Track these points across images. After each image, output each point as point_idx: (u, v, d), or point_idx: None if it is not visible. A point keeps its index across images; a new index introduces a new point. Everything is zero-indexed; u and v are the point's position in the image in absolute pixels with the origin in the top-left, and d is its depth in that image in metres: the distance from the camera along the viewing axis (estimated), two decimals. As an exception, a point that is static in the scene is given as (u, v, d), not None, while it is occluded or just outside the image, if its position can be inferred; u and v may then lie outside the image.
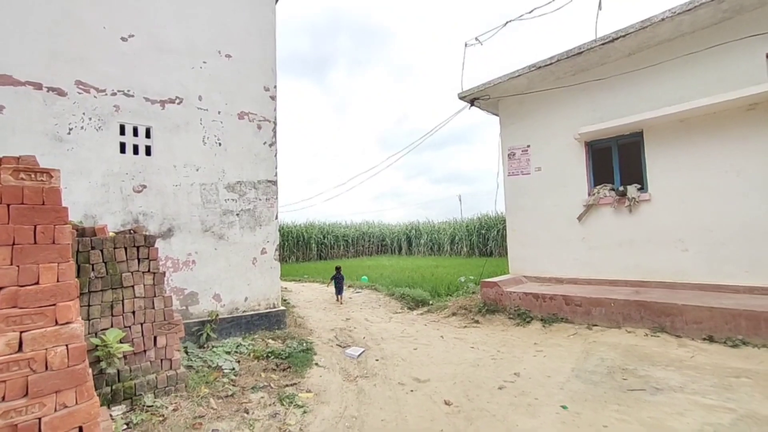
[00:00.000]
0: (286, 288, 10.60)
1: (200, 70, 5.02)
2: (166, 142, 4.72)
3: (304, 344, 4.84)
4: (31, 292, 2.18)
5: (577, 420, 2.81)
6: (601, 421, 2.76)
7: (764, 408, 2.78)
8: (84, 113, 4.27)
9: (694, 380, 3.32)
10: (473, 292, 7.17)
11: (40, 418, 2.12)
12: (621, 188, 5.75)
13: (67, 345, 2.25)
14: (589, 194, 6.09)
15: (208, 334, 4.54)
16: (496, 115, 7.53)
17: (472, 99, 7.13)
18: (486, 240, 19.23)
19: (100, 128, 4.37)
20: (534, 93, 6.59)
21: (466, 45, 6.87)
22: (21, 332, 2.12)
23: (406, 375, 3.96)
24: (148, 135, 4.63)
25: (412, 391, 3.55)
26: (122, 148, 4.48)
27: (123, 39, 4.52)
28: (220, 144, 5.10)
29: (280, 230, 23.46)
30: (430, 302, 7.49)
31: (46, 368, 2.18)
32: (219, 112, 5.12)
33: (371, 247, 25.56)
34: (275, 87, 5.69)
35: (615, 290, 5.37)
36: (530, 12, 5.96)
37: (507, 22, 6.56)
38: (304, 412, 3.15)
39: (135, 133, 4.56)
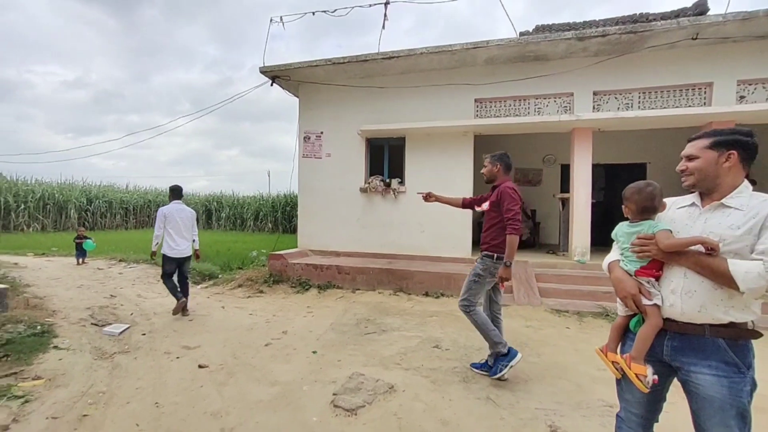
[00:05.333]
0: (17, 264, 8.07)
1: None
2: None
3: (38, 327, 4.00)
4: None
5: (321, 360, 3.55)
6: (338, 358, 3.58)
7: (438, 333, 4.28)
8: None
9: (407, 322, 4.68)
10: (263, 265, 7.45)
11: None
12: (388, 180, 7.20)
13: None
14: (365, 182, 7.34)
15: None
16: (298, 96, 7.93)
17: (274, 76, 7.28)
18: (291, 217, 19.68)
19: None
20: (330, 85, 7.32)
21: (271, 21, 6.95)
22: None
23: (176, 344, 3.91)
24: None
25: (178, 358, 3.57)
26: None
27: None
28: None
29: (9, 188, 17.20)
30: (219, 276, 7.34)
31: None
32: None
33: (159, 218, 22.02)
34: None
35: (375, 261, 6.75)
36: (333, 11, 6.58)
37: (314, 12, 6.97)
38: (26, 401, 2.70)
39: None
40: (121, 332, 4.21)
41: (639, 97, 6.40)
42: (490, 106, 6.89)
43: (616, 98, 6.50)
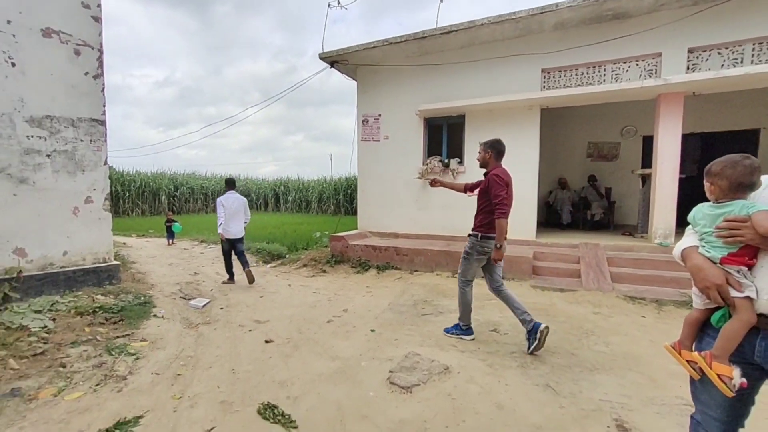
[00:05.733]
0: (125, 244, 9.47)
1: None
2: None
3: (142, 298, 4.68)
4: None
5: (378, 338, 3.68)
6: (395, 336, 3.69)
7: (496, 317, 4.20)
8: None
9: (464, 304, 4.62)
10: (326, 246, 7.82)
11: None
12: (446, 161, 7.03)
13: None
14: (423, 164, 7.25)
15: (6, 294, 3.94)
16: (356, 80, 7.99)
17: (332, 61, 7.39)
18: (352, 199, 20.24)
19: None
20: (387, 66, 7.24)
21: (329, 6, 7.00)
22: None
23: (248, 318, 4.31)
24: None
25: (250, 330, 3.94)
26: None
27: None
28: (13, 64, 4.13)
29: (118, 178, 19.87)
30: (286, 255, 7.87)
31: None
32: (8, 22, 4.07)
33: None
34: (99, 6, 4.81)
35: (433, 243, 6.72)
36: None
37: (369, -8, 6.86)
38: (137, 358, 3.21)
39: None
40: (203, 306, 4.75)
41: (753, 49, 5.34)
42: (559, 76, 6.31)
43: (719, 53, 5.52)
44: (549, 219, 8.61)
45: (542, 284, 5.25)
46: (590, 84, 6.11)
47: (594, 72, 6.15)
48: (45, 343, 3.29)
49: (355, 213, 18.59)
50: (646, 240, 6.17)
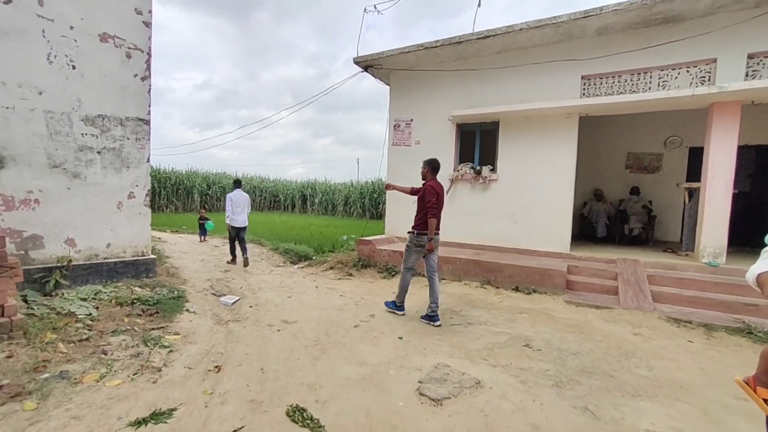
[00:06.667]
0: (160, 239, 9.86)
1: (40, -34, 4.17)
2: (-10, 51, 3.92)
3: (176, 292, 4.82)
4: None
5: (406, 345, 3.62)
6: (423, 345, 3.61)
7: (528, 331, 4.01)
8: None
9: (495, 317, 4.49)
10: (352, 249, 7.84)
11: None
12: (478, 168, 6.90)
13: None
14: (454, 170, 7.15)
15: (57, 281, 4.17)
16: (389, 85, 8.00)
17: (366, 66, 7.44)
18: (377, 204, 20.29)
19: None
20: (421, 71, 7.22)
21: (365, 10, 7.06)
22: None
23: (276, 318, 4.36)
24: (-34, 42, 3.80)
25: (278, 330, 3.98)
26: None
27: None
28: (74, 67, 4.41)
29: (156, 175, 20.69)
30: (313, 257, 7.94)
31: None
32: (71, 27, 4.36)
33: (263, 203, 24.62)
34: (150, 12, 5.06)
35: (462, 251, 6.58)
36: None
37: (406, -3, 6.88)
38: (170, 351, 3.30)
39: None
40: (233, 303, 4.84)
41: (821, 56, 4.95)
42: (600, 83, 6.07)
43: (784, 60, 5.13)
44: (582, 231, 8.28)
45: (576, 300, 5.02)
46: (634, 92, 5.83)
47: (639, 79, 5.87)
48: (89, 330, 3.45)
49: (380, 218, 18.66)
50: (691, 258, 5.80)
